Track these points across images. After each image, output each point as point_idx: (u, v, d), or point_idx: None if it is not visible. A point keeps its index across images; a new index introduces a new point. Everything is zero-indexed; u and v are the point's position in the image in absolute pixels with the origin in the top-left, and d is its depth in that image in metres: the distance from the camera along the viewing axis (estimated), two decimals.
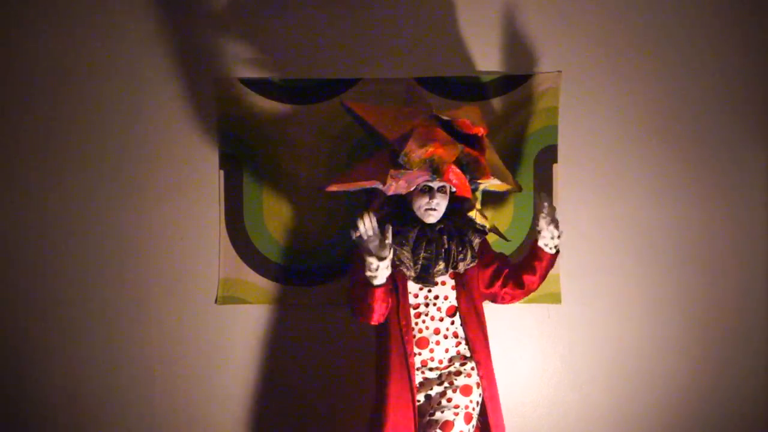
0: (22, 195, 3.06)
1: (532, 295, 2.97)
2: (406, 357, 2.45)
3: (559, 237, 2.53)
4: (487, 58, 3.00)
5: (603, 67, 3.01)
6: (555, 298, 3.01)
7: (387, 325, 2.49)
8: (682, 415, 3.05)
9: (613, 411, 3.06)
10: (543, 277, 2.59)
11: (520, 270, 2.58)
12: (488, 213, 2.82)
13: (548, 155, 2.99)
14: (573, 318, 3.04)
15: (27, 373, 3.08)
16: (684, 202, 3.03)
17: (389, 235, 2.27)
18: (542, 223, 2.50)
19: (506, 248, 2.91)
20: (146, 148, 3.05)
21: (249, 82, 3.01)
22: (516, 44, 3.01)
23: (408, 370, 2.44)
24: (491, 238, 2.74)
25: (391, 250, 2.30)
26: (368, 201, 2.63)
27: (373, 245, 2.27)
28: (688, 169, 3.03)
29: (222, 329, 3.06)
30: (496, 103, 2.95)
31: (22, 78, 3.05)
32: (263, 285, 3.03)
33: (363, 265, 2.31)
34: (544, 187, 2.98)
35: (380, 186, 2.42)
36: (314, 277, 3.03)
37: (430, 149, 2.34)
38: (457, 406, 2.42)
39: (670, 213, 3.04)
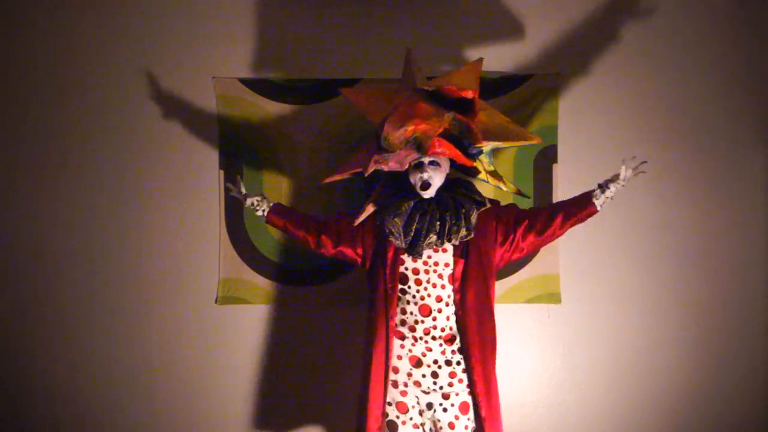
0: (23, 195, 3.06)
1: (531, 294, 3.00)
2: (387, 320, 2.47)
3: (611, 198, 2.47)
4: (487, 59, 2.98)
5: (603, 67, 3.01)
6: (555, 298, 3.01)
7: (374, 288, 2.54)
8: (681, 414, 3.05)
9: (612, 411, 3.06)
10: (571, 224, 2.51)
11: (555, 209, 2.52)
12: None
13: (548, 155, 2.99)
14: (573, 318, 3.04)
15: (29, 373, 3.09)
16: (684, 202, 3.03)
17: (238, 186, 2.64)
18: (618, 179, 2.44)
19: None
20: (146, 148, 3.05)
21: (249, 82, 3.01)
22: (516, 44, 3.01)
23: (387, 332, 2.47)
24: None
25: (243, 194, 2.62)
26: (370, 186, 2.66)
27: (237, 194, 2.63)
28: (687, 169, 3.03)
29: (222, 329, 3.06)
30: (496, 103, 2.95)
31: (23, 80, 3.06)
32: (263, 285, 3.03)
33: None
34: (543, 187, 2.99)
35: (365, 172, 2.40)
36: (314, 278, 3.03)
37: (410, 127, 2.29)
38: (466, 427, 2.46)
39: (670, 213, 3.04)
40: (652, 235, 3.04)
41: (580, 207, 2.50)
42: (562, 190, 3.00)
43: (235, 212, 3.04)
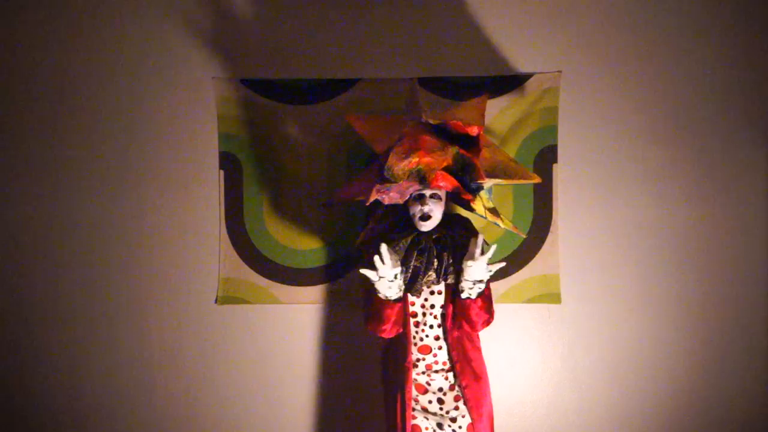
0: (23, 196, 3.06)
1: (532, 294, 3.00)
2: (403, 358, 2.50)
3: (480, 281, 2.41)
4: (487, 58, 2.99)
5: (603, 67, 3.01)
6: (555, 298, 3.01)
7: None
8: (681, 414, 3.05)
9: (612, 411, 3.06)
10: (482, 321, 2.50)
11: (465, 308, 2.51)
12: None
13: (548, 155, 2.99)
14: (573, 318, 3.04)
15: (28, 373, 3.09)
16: (683, 202, 3.03)
17: (385, 256, 2.32)
18: (472, 270, 2.38)
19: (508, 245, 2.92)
20: (147, 148, 3.05)
21: (249, 82, 3.01)
22: (516, 44, 3.01)
23: (405, 372, 2.49)
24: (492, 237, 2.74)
25: (398, 264, 2.37)
26: (370, 212, 2.65)
27: (386, 273, 2.34)
28: (687, 168, 3.04)
29: (222, 329, 3.06)
30: (496, 103, 2.95)
31: (24, 80, 3.06)
32: (263, 285, 3.03)
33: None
34: (543, 187, 2.99)
35: (366, 201, 2.40)
36: (314, 277, 3.03)
37: (414, 160, 2.31)
38: None
39: (670, 213, 3.04)
40: (652, 235, 3.04)
41: (457, 305, 2.48)
42: (562, 190, 3.00)
43: (235, 212, 3.04)
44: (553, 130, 3.00)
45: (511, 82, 2.98)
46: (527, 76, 2.99)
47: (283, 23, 3.03)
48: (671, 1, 3.02)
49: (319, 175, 2.99)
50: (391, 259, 2.35)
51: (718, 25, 3.03)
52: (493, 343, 2.98)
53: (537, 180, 2.57)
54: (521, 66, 3.00)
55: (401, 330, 2.52)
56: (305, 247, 3.01)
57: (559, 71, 2.98)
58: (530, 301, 3.01)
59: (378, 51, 3.01)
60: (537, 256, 2.99)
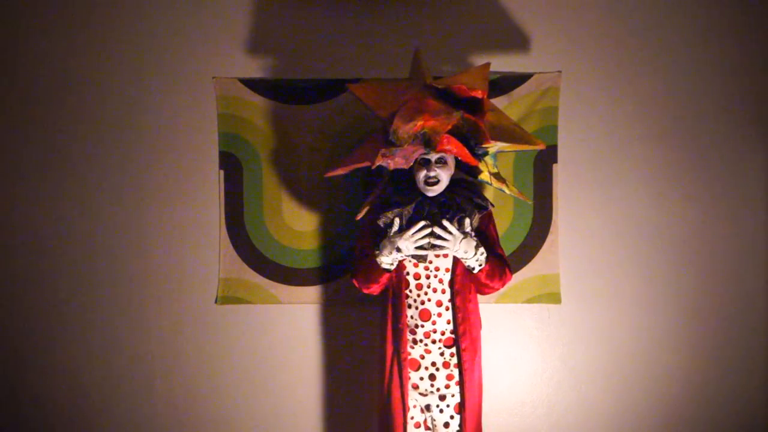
0: (24, 196, 3.07)
1: (531, 294, 3.00)
2: (397, 320, 2.48)
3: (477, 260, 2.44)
4: (487, 58, 2.99)
5: (603, 67, 3.01)
6: (555, 298, 3.01)
7: (384, 294, 2.55)
8: (680, 414, 3.05)
9: (611, 411, 3.06)
10: (490, 288, 2.54)
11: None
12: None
13: (548, 155, 2.99)
14: (573, 318, 3.04)
15: (29, 373, 3.09)
16: (683, 202, 3.04)
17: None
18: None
19: (518, 229, 2.95)
20: (146, 148, 3.05)
21: (249, 82, 3.01)
22: (516, 44, 3.01)
23: (399, 332, 2.47)
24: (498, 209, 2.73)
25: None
26: (374, 182, 2.63)
27: (401, 242, 2.38)
28: (687, 168, 3.04)
29: (222, 329, 3.06)
30: (496, 102, 2.95)
31: (25, 80, 3.06)
32: (263, 285, 3.03)
33: (377, 245, 2.45)
34: (543, 187, 2.99)
35: (372, 165, 2.39)
36: (314, 277, 3.03)
37: (419, 122, 2.29)
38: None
39: (670, 213, 3.04)
40: (652, 235, 3.04)
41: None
42: (562, 190, 3.00)
43: (235, 212, 3.04)
44: (553, 130, 3.00)
45: (511, 82, 2.98)
46: (527, 76, 2.99)
47: (282, 23, 3.03)
48: (671, 1, 3.02)
49: (319, 175, 2.99)
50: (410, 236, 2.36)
51: (717, 25, 3.03)
52: (493, 343, 2.98)
53: (541, 146, 2.54)
54: (521, 66, 3.00)
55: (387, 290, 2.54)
56: (305, 247, 3.02)
57: (559, 71, 2.99)
58: (530, 300, 3.01)
59: (378, 51, 3.01)
60: (537, 255, 2.99)
